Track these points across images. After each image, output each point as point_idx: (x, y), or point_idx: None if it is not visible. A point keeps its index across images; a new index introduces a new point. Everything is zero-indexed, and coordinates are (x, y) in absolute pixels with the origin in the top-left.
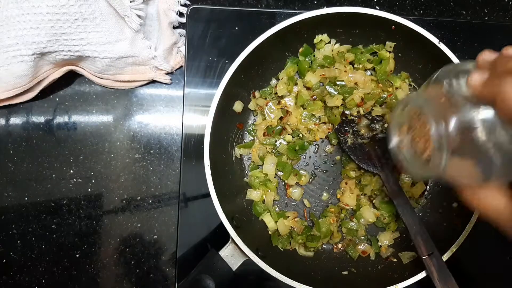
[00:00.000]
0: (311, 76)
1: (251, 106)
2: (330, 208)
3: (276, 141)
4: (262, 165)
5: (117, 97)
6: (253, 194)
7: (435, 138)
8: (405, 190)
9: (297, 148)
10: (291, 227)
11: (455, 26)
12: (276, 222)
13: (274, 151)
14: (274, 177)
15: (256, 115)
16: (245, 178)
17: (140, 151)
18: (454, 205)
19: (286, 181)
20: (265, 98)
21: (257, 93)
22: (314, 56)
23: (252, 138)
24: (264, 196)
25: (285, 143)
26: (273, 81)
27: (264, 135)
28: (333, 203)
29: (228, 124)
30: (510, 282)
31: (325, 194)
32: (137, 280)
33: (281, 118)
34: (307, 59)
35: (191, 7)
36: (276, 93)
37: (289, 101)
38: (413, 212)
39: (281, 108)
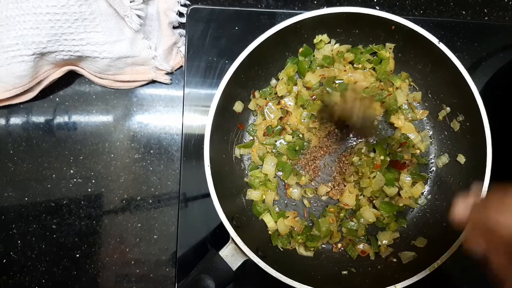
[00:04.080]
0: (311, 76)
1: (251, 106)
2: (330, 208)
3: (276, 141)
4: (262, 165)
5: (117, 97)
6: (253, 194)
7: None
8: (404, 190)
9: (297, 148)
10: (291, 226)
11: (455, 26)
12: (276, 222)
13: (274, 151)
14: (274, 177)
15: (256, 115)
16: (245, 178)
17: (140, 151)
18: None
19: (286, 181)
20: (265, 98)
21: (257, 93)
22: (313, 56)
23: (252, 138)
24: (264, 196)
25: (285, 143)
26: (273, 81)
27: (264, 135)
28: (333, 203)
29: (228, 124)
30: None
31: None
32: (137, 280)
33: (281, 118)
34: (307, 59)
35: (191, 7)
36: (276, 93)
37: (289, 101)
38: None
39: (281, 108)
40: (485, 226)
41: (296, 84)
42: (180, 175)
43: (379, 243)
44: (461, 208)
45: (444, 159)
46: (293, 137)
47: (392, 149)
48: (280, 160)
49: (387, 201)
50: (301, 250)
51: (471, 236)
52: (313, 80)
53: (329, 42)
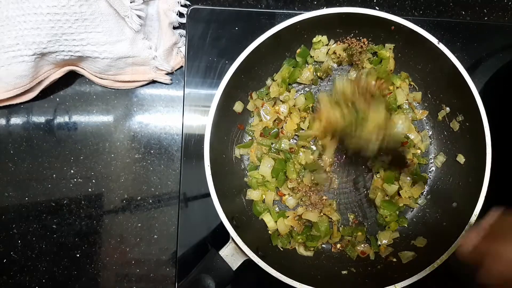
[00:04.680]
0: (307, 71)
1: (249, 107)
2: None
3: (272, 143)
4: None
5: (117, 97)
6: (253, 194)
7: None
8: (404, 190)
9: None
10: (291, 226)
11: (455, 27)
12: (276, 221)
13: (273, 150)
14: (272, 178)
15: (253, 116)
16: (245, 178)
17: (141, 151)
18: (454, 205)
19: (280, 189)
20: (262, 99)
21: (254, 94)
22: (310, 56)
23: (251, 138)
24: (264, 196)
25: (283, 145)
26: (269, 81)
27: (260, 135)
28: None
29: (228, 124)
30: None
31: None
32: (137, 280)
33: (277, 121)
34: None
35: (191, 8)
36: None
37: (283, 108)
38: None
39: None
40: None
41: (289, 91)
42: (180, 175)
43: (379, 243)
44: (469, 240)
45: (441, 158)
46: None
47: None
48: (275, 167)
49: (388, 199)
50: (301, 250)
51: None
52: (309, 76)
53: (327, 45)
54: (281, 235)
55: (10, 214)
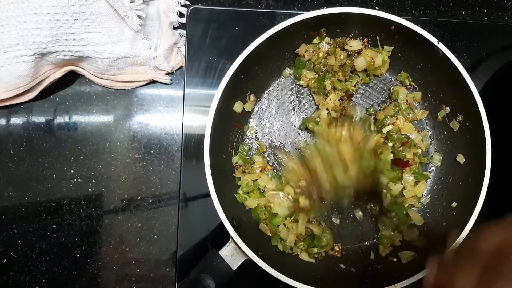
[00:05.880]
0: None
1: (247, 107)
2: None
3: None
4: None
5: (117, 97)
6: (248, 203)
7: None
8: (408, 189)
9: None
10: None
11: (455, 27)
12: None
13: None
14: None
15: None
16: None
17: (141, 151)
18: (454, 205)
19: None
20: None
21: (252, 96)
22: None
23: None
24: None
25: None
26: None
27: None
28: None
29: (228, 124)
30: None
31: None
32: (137, 280)
33: None
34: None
35: (191, 8)
36: None
37: None
38: None
39: None
40: None
41: None
42: (180, 175)
43: None
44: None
45: (437, 156)
46: None
47: (394, 148)
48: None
49: (395, 201)
50: (303, 256)
51: None
52: (311, 75)
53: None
54: (283, 240)
55: (10, 214)
